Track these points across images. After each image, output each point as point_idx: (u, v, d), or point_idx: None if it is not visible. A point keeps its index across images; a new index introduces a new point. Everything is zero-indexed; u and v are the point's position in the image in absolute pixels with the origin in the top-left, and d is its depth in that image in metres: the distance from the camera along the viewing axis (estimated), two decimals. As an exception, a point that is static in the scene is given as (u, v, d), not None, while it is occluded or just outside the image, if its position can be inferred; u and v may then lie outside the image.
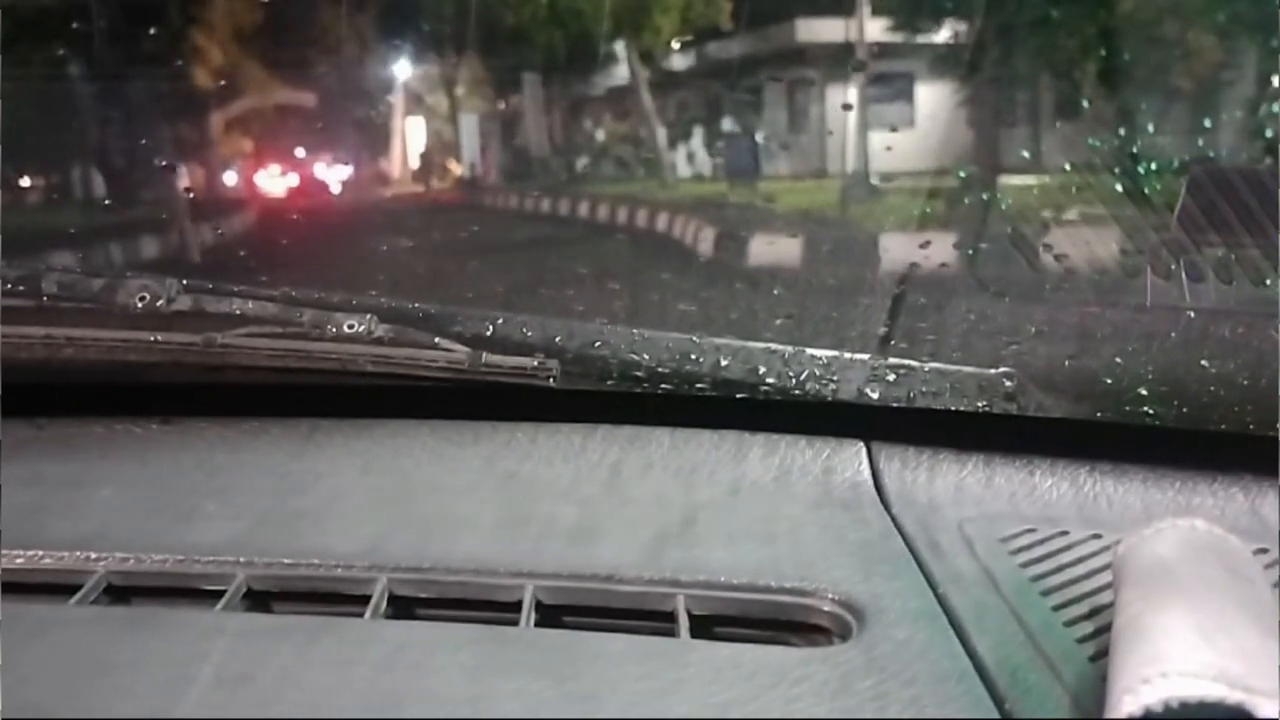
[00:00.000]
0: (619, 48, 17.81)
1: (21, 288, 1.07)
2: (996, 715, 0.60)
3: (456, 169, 23.74)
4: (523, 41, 17.89)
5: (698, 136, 17.63)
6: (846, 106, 10.42)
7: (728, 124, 16.96)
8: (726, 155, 14.18)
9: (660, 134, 15.63)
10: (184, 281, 1.11)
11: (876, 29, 12.51)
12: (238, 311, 1.16)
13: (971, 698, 0.62)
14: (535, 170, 19.61)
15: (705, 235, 7.30)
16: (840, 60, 15.36)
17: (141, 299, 1.13)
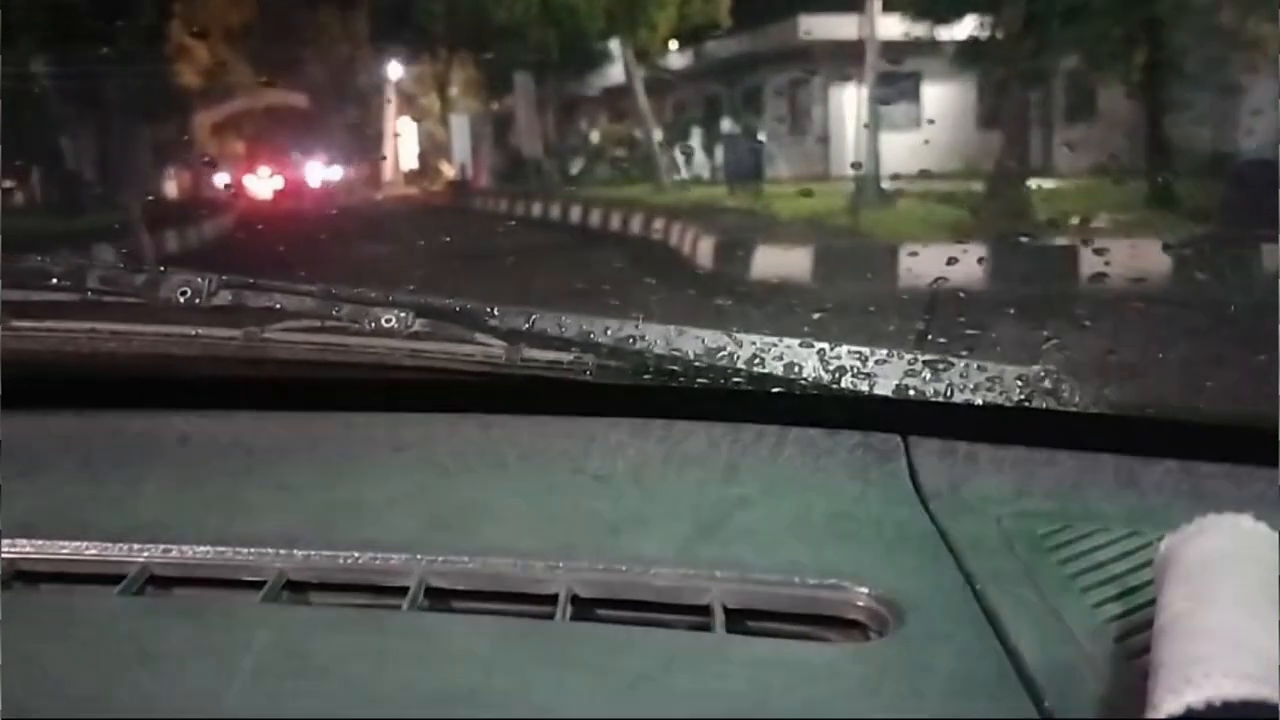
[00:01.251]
0: (613, 46, 17.18)
1: (64, 283, 1.04)
2: (1035, 714, 0.57)
3: (446, 171, 23.01)
4: (514, 40, 17.38)
5: (697, 138, 16.93)
6: (869, 120, 9.97)
7: (728, 125, 16.42)
8: (727, 158, 13.70)
9: (656, 135, 15.12)
10: (223, 277, 1.06)
11: (888, 24, 11.91)
12: (277, 306, 1.11)
13: (1009, 696, 0.59)
14: (527, 173, 19.00)
15: (705, 245, 6.68)
16: (847, 58, 14.69)
17: (182, 293, 1.08)
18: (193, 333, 1.04)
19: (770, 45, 14.14)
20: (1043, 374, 1.00)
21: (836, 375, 0.97)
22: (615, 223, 9.93)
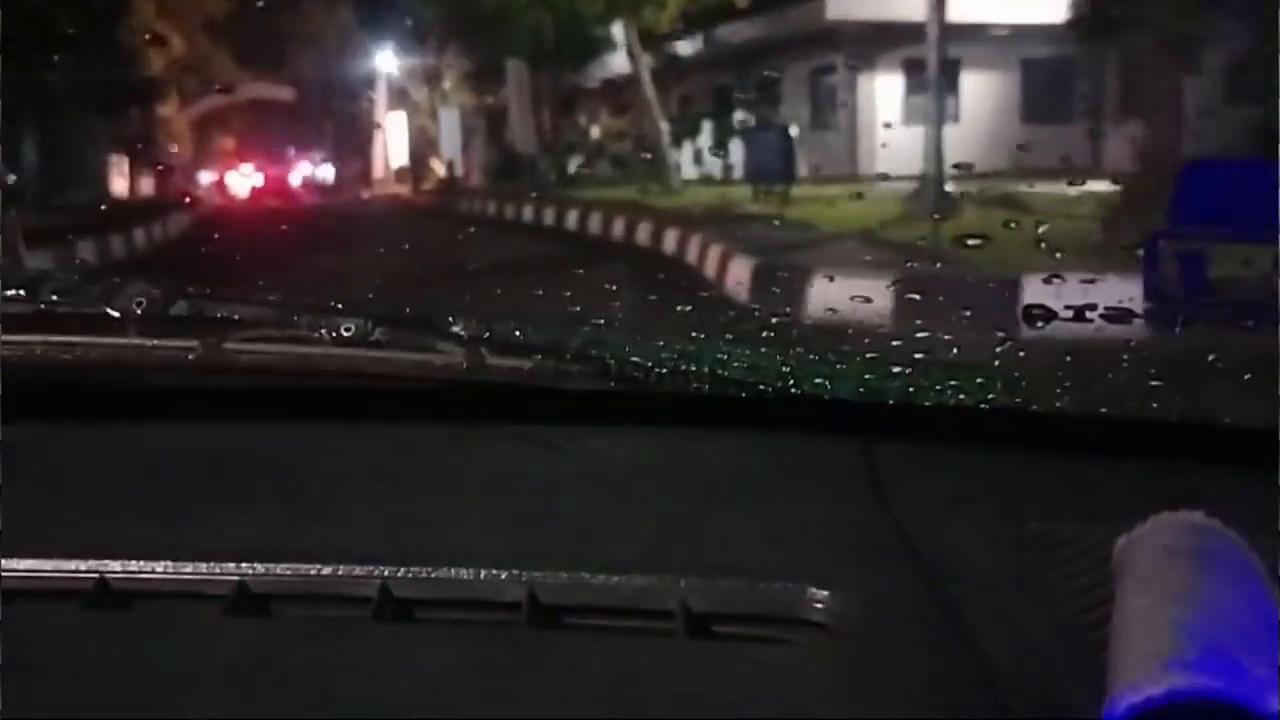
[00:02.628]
0: (616, 30, 15.47)
1: (20, 292, 1.01)
2: (996, 714, 0.58)
3: (436, 170, 21.01)
4: (507, 24, 15.70)
5: (708, 132, 15.16)
6: (934, 110, 8.53)
7: (742, 117, 14.76)
8: (751, 154, 12.23)
9: (664, 129, 13.51)
10: (182, 286, 1.05)
11: (915, 6, 10.34)
12: (236, 316, 1.10)
13: (971, 695, 0.60)
14: (521, 171, 17.31)
15: (738, 268, 5.05)
16: (881, 41, 13.02)
17: (139, 304, 1.05)
18: (151, 344, 1.04)
19: (792, 27, 12.65)
20: (1001, 373, 1.05)
21: (798, 379, 0.97)
22: (618, 231, 8.45)
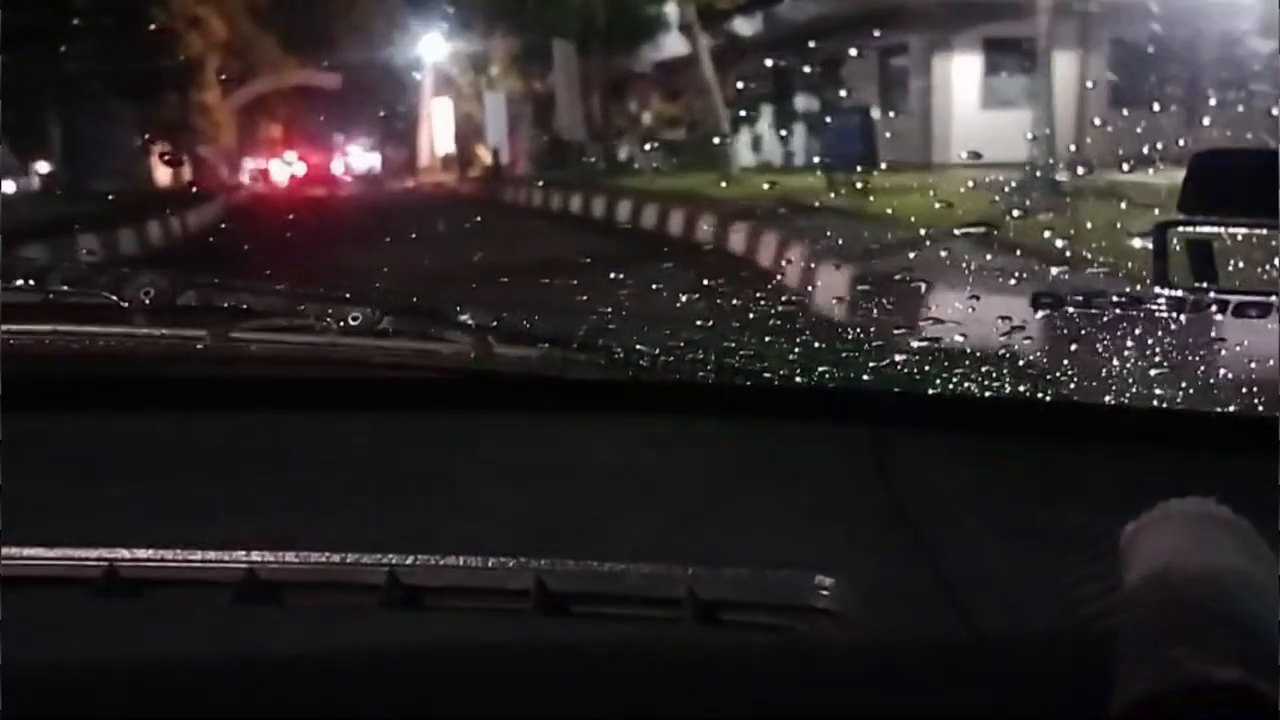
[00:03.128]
0: (669, 9, 14.51)
1: (29, 282, 1.02)
2: (1004, 701, 0.58)
3: (481, 156, 20.10)
4: (555, 2, 14.94)
5: (777, 117, 14.20)
6: (1041, 91, 7.62)
7: (814, 99, 13.79)
8: (826, 139, 11.32)
9: (723, 113, 12.62)
10: (190, 276, 1.06)
11: None
12: (244, 306, 1.09)
13: (978, 682, 0.60)
14: (570, 158, 16.50)
15: (832, 278, 4.21)
16: (958, 18, 11.98)
17: (147, 294, 1.05)
18: (158, 333, 1.03)
19: (860, 4, 11.76)
20: (1011, 363, 1.10)
21: (807, 368, 0.98)
22: (677, 226, 7.68)
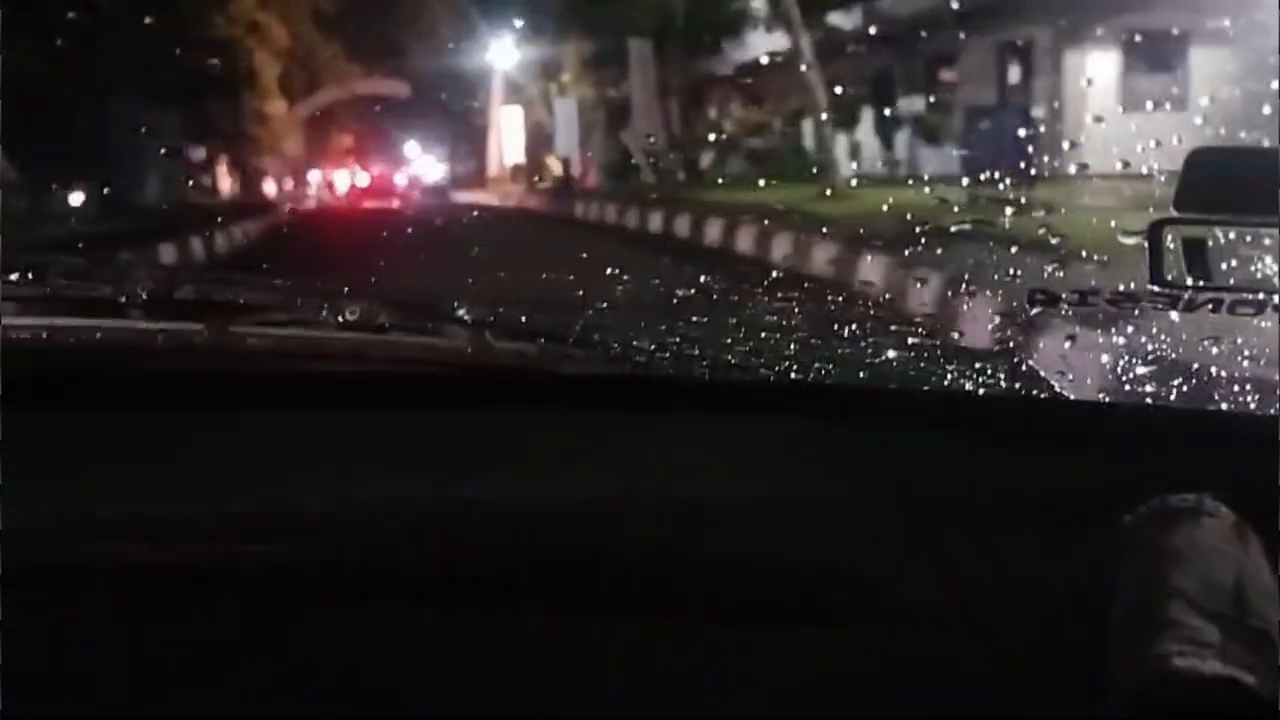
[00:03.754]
0: (755, 3, 13.21)
1: (25, 276, 1.02)
2: (1006, 694, 0.61)
3: (551, 167, 18.99)
4: (628, 1, 13.76)
5: (883, 119, 12.64)
6: None
7: (923, 101, 12.22)
8: (971, 141, 9.80)
9: (824, 116, 11.16)
10: (188, 271, 1.20)
11: None
12: (242, 300, 1.10)
13: (982, 676, 0.63)
14: (646, 169, 15.15)
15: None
16: (1096, 7, 10.51)
17: (145, 288, 1.05)
18: (155, 328, 1.03)
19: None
20: (1006, 359, 1.15)
21: (808, 365, 1.02)
22: (782, 252, 6.27)
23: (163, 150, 17.18)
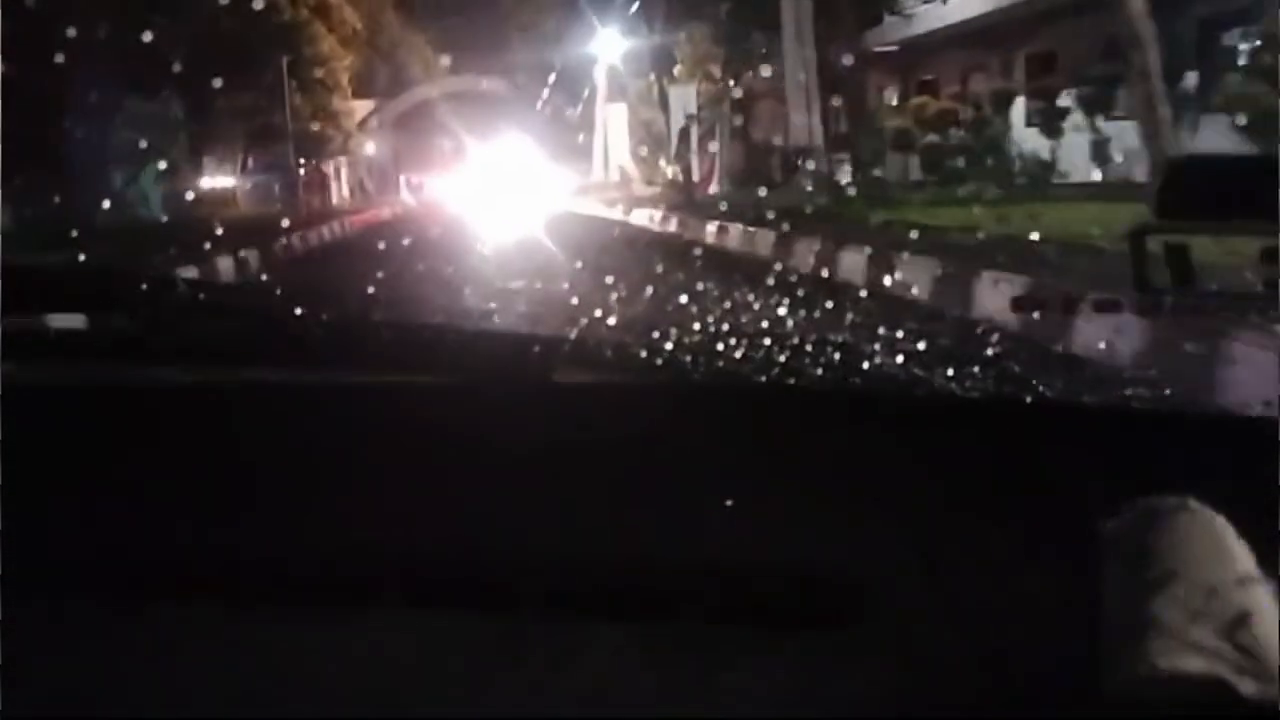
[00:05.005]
0: None
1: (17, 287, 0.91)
2: (998, 695, 0.62)
3: (663, 171, 16.92)
4: None
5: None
6: None
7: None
8: None
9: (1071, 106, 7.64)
10: (179, 284, 1.01)
11: None
12: (242, 309, 1.05)
13: (973, 679, 0.63)
14: (793, 174, 11.67)
15: None
16: None
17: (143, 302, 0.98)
18: (148, 338, 0.96)
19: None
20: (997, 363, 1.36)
21: (804, 368, 1.00)
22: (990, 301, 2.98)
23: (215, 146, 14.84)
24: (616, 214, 14.16)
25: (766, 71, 14.88)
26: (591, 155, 22.73)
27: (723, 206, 10.53)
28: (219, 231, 8.90)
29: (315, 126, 16.37)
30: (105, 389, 0.93)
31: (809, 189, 10.72)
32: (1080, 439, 0.83)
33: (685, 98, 14.89)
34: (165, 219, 12.96)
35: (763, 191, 11.33)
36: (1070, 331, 3.06)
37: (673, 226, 10.71)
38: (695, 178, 14.61)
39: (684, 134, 14.36)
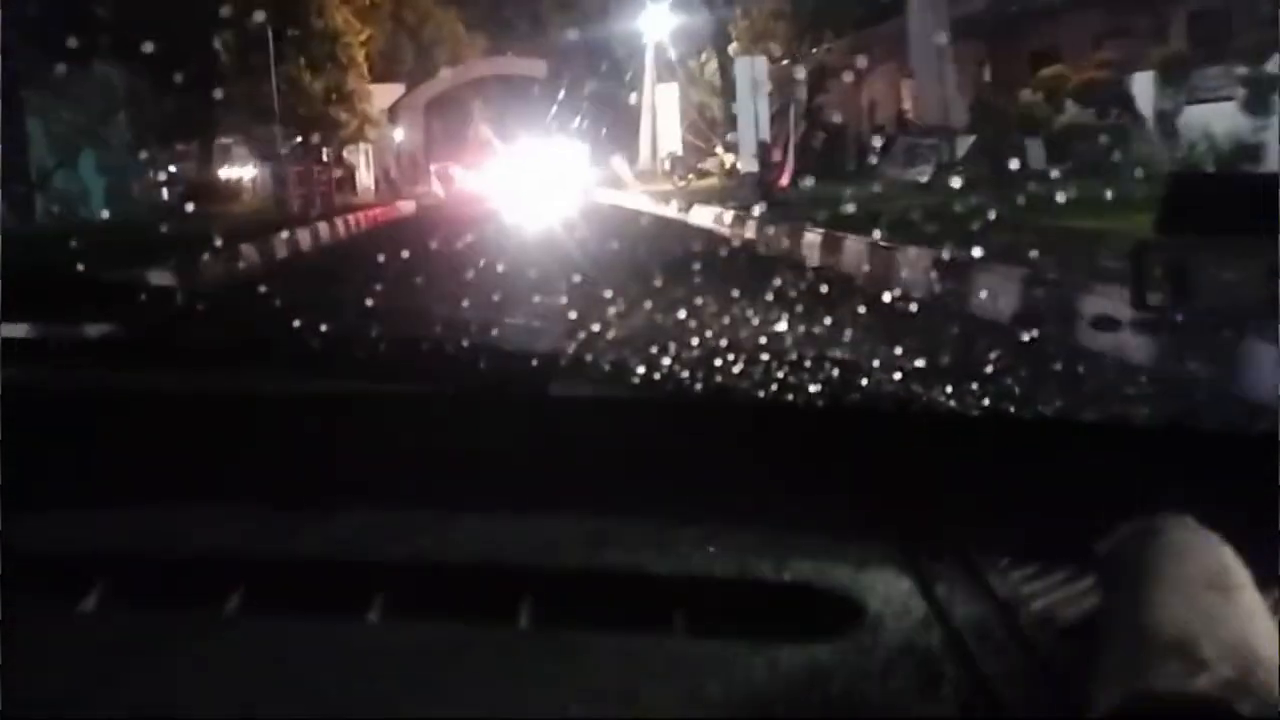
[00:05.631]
0: None
1: (22, 290, 0.97)
2: (987, 714, 0.60)
3: (721, 159, 14.92)
4: None
5: None
6: None
7: None
8: None
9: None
10: (187, 290, 1.91)
11: None
12: (240, 317, 1.17)
13: (964, 695, 0.62)
14: (916, 164, 9.66)
15: None
16: None
17: (142, 308, 1.07)
18: (156, 343, 1.04)
19: None
20: (993, 380, 1.16)
21: (798, 385, 0.99)
22: None
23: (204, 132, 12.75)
24: (671, 211, 12.06)
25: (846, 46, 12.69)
26: (638, 142, 20.68)
27: (815, 207, 8.35)
28: (161, 236, 7.28)
29: (328, 110, 14.47)
30: (98, 394, 0.96)
31: (923, 181, 8.58)
32: (1077, 456, 0.83)
33: (751, 73, 12.75)
34: (106, 217, 10.81)
35: (875, 188, 9.06)
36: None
37: (749, 233, 8.52)
38: (770, 165, 12.52)
39: (748, 115, 12.24)
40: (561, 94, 25.16)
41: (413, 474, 0.86)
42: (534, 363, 0.94)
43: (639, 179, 18.72)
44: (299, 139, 14.68)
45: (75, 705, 0.61)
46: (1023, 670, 0.61)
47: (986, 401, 0.97)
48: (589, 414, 0.95)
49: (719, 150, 16.38)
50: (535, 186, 16.70)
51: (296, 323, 0.97)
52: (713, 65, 18.48)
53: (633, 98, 22.66)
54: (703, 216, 10.47)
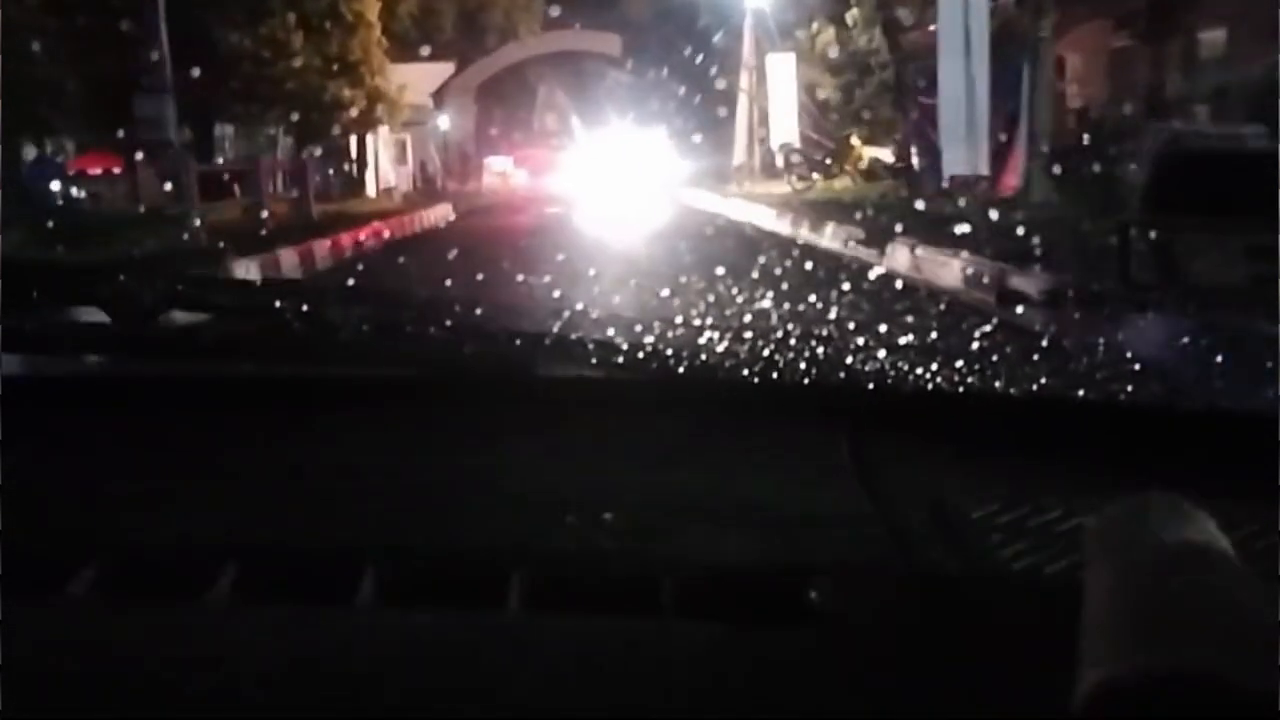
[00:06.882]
0: None
1: (15, 285, 0.95)
2: (976, 696, 0.60)
3: (857, 153, 12.50)
4: None
5: None
6: None
7: None
8: None
9: None
10: (168, 279, 1.05)
11: None
12: (225, 304, 1.10)
13: (954, 678, 0.61)
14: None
15: None
16: None
17: (126, 297, 1.01)
18: (141, 333, 1.03)
19: None
20: (982, 361, 1.09)
21: (783, 365, 1.02)
22: None
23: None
24: (802, 230, 8.14)
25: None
26: (733, 132, 16.93)
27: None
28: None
29: (327, 85, 10.85)
30: (90, 383, 0.97)
31: None
32: (1067, 435, 0.83)
33: (962, 19, 8.23)
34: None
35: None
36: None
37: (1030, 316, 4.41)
38: (915, 173, 8.61)
39: (955, 84, 8.08)
40: (639, 76, 21.62)
41: (390, 457, 0.85)
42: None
43: (738, 178, 15.10)
44: (286, 123, 11.13)
45: (65, 694, 0.59)
46: (1009, 647, 0.62)
47: None
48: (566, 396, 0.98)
49: (855, 141, 12.56)
50: (610, 188, 13.28)
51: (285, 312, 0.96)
52: (827, 35, 14.64)
53: (723, 80, 18.92)
54: (884, 253, 6.28)
